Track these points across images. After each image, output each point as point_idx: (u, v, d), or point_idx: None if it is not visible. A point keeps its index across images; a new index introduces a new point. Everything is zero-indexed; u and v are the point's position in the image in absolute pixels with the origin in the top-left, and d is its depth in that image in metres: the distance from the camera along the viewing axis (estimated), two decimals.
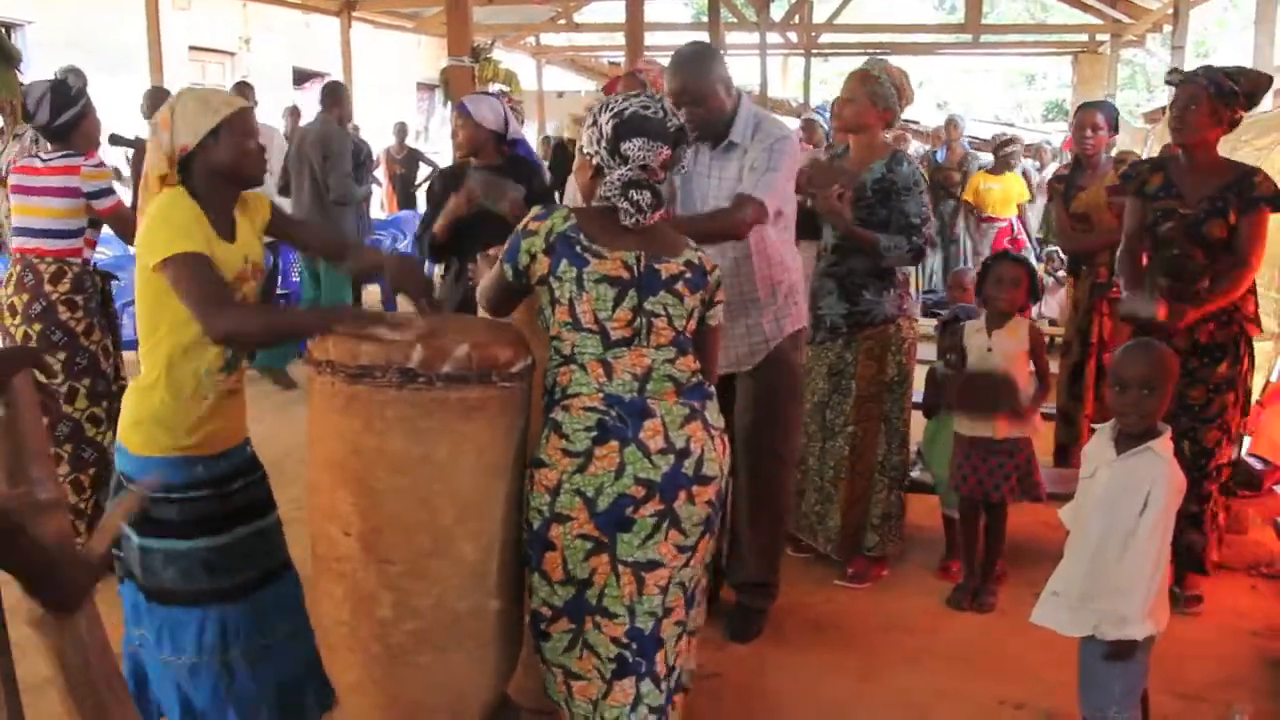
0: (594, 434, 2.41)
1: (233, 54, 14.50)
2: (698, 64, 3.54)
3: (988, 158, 10.39)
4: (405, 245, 10.79)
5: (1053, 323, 9.21)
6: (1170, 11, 11.62)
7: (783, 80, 18.55)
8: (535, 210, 2.58)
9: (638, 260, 2.52)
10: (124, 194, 4.59)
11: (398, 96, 17.17)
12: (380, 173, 12.02)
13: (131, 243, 3.95)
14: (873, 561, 4.34)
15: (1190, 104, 3.86)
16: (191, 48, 13.23)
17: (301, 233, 3.10)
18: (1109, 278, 5.24)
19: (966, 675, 3.60)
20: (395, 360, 2.26)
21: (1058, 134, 21.13)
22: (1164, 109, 17.05)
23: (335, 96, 7.45)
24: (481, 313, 2.83)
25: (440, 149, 13.04)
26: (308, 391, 2.49)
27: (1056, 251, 9.44)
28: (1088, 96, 16.48)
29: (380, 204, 12.28)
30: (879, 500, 4.28)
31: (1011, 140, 10.15)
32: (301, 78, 16.04)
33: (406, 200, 12.37)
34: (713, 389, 2.64)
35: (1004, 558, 4.25)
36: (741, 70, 17.07)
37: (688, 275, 2.58)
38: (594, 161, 2.61)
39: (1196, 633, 3.85)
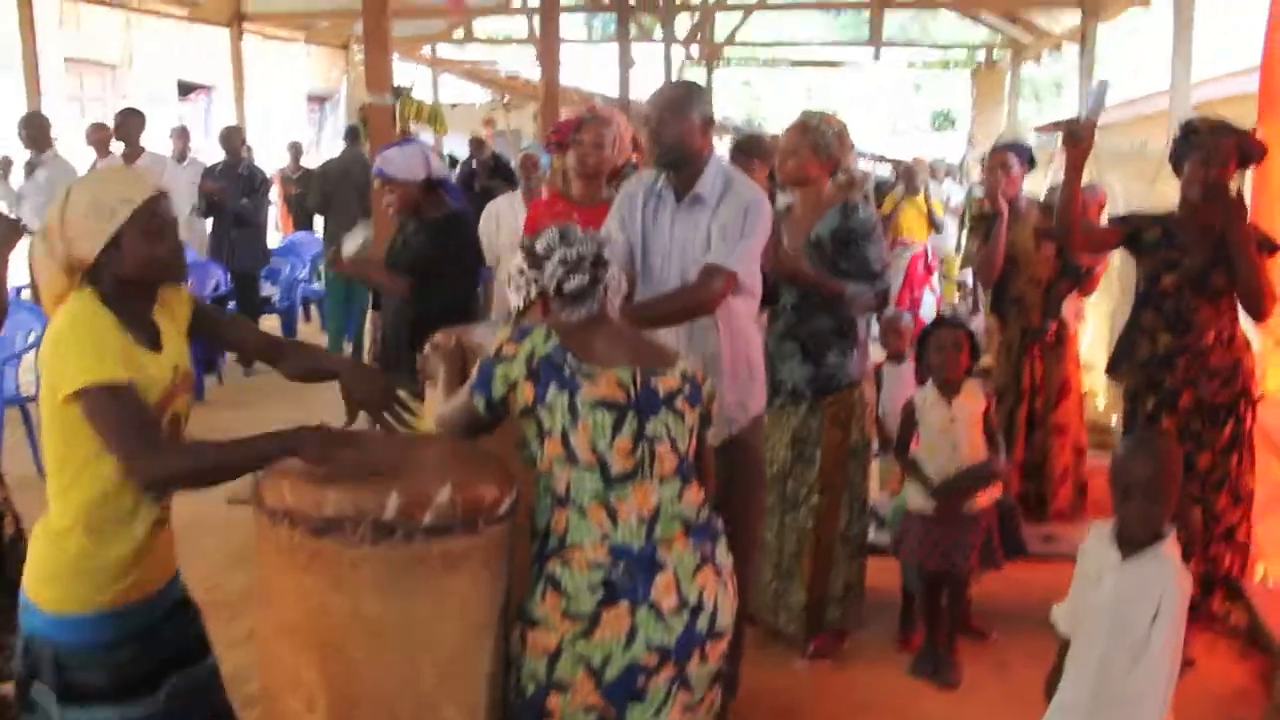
0: (600, 594, 2.15)
1: (114, 66, 13.78)
2: (677, 92, 3.37)
3: (884, 169, 10.45)
4: (304, 271, 10.34)
5: None
6: (1068, 29, 11.78)
7: None
8: (506, 331, 2.29)
9: (633, 378, 2.26)
10: None
11: (288, 108, 16.58)
12: (274, 193, 11.52)
13: None
14: (835, 636, 4.15)
15: (1223, 160, 3.80)
16: (68, 60, 12.50)
17: (232, 331, 2.62)
18: (1041, 322, 5.17)
19: None
20: (368, 511, 1.96)
21: (949, 147, 21.53)
22: (1057, 122, 17.51)
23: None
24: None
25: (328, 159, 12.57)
26: (257, 542, 2.15)
27: (966, 282, 9.52)
28: (985, 110, 16.78)
29: (275, 225, 11.76)
30: (841, 572, 4.09)
31: (916, 163, 10.18)
32: (186, 90, 15.37)
33: (302, 221, 11.88)
34: (720, 522, 2.40)
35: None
36: (645, 81, 16.89)
37: (686, 390, 2.34)
38: (533, 295, 2.38)
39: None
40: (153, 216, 2.18)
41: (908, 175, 9.39)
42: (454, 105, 19.37)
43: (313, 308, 11.22)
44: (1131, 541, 2.65)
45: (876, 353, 5.24)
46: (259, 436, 2.18)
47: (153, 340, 2.24)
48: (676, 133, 3.26)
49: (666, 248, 3.36)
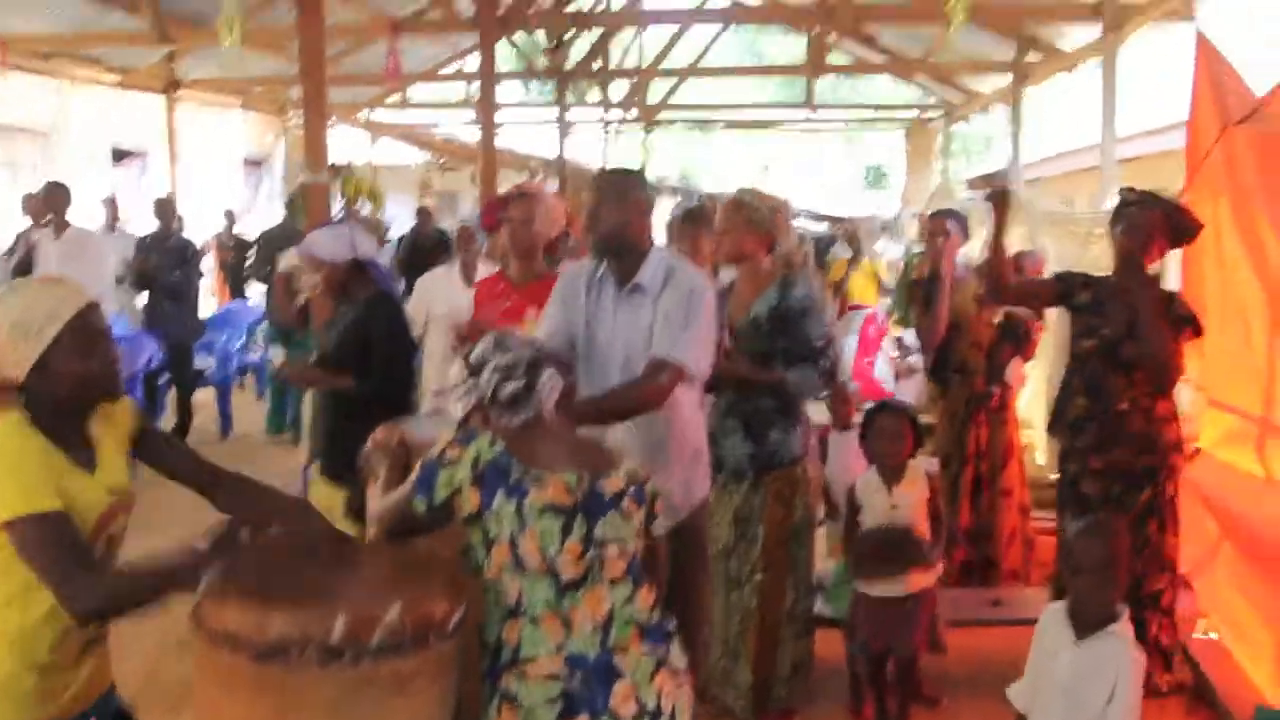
0: (559, 707, 2.11)
1: (46, 133, 13.58)
2: (617, 181, 3.37)
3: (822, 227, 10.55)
4: (240, 341, 10.18)
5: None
6: (999, 90, 12.08)
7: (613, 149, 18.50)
8: (450, 434, 2.26)
9: (579, 481, 2.23)
10: None
11: (223, 173, 16.43)
12: (209, 261, 11.38)
13: None
14: (783, 714, 4.09)
15: (1145, 233, 3.88)
16: (0, 126, 12.30)
17: (175, 458, 2.46)
18: (985, 387, 5.22)
19: None
20: (314, 634, 1.89)
21: (885, 202, 21.88)
22: (984, 176, 17.87)
23: None
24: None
25: (269, 226, 12.47)
26: (197, 663, 2.06)
27: (902, 339, 9.59)
28: (918, 168, 17.10)
29: (210, 293, 11.60)
30: (788, 650, 4.04)
31: (861, 227, 10.30)
32: (120, 156, 15.18)
33: (238, 289, 11.75)
34: (672, 622, 2.36)
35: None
36: (582, 143, 17.01)
37: (631, 490, 2.31)
38: (472, 403, 2.37)
39: None
40: (82, 331, 2.10)
41: (853, 240, 9.48)
42: (391, 167, 19.35)
43: (249, 377, 11.05)
44: (1085, 622, 2.68)
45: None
46: (188, 549, 2.09)
47: (89, 458, 2.16)
48: (613, 222, 3.24)
49: (609, 335, 3.33)
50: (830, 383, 4.05)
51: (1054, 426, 4.23)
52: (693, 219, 5.42)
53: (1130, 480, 3.92)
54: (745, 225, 3.93)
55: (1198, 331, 3.98)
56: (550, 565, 2.18)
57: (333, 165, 6.69)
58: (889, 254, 12.12)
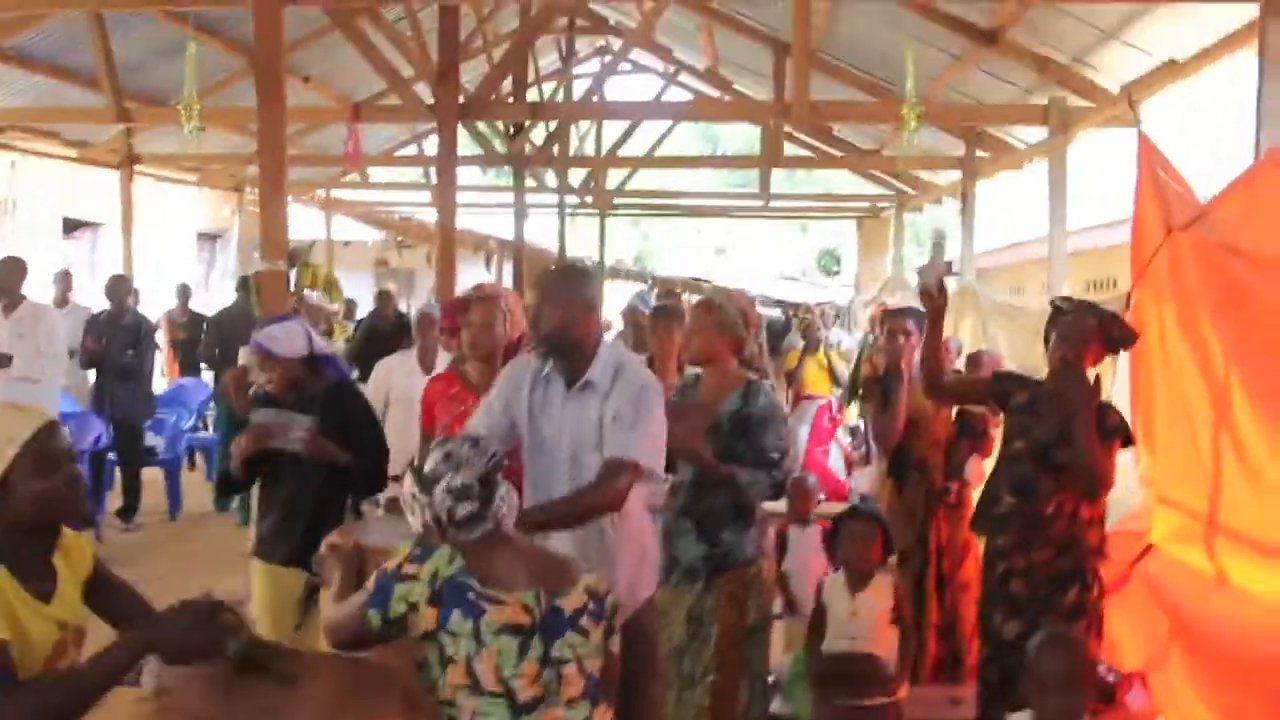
0: None
1: None
2: (562, 279, 3.35)
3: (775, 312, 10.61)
4: (190, 421, 10.05)
5: (864, 498, 9.36)
6: (950, 183, 12.34)
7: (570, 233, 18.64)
8: (407, 549, 2.23)
9: (538, 599, 2.20)
10: None
11: (177, 246, 16.33)
12: (161, 337, 11.25)
13: None
14: None
15: (1080, 341, 3.93)
16: None
17: (127, 603, 2.40)
18: (944, 483, 5.24)
19: None
20: None
21: (838, 289, 22.14)
22: (935, 261, 18.19)
23: None
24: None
25: (223, 302, 12.40)
26: None
27: (859, 427, 9.65)
28: (870, 257, 17.35)
29: (161, 371, 11.44)
30: None
31: (810, 316, 10.39)
32: (71, 227, 15.05)
33: (189, 366, 11.59)
34: None
35: None
36: (540, 226, 17.11)
37: (590, 606, 2.30)
38: (428, 519, 2.34)
39: None
40: (42, 451, 2.07)
41: (807, 330, 9.56)
42: (347, 243, 19.35)
43: (198, 456, 10.89)
44: None
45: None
46: (115, 645, 2.05)
47: (46, 588, 2.11)
48: (556, 321, 3.22)
49: (556, 432, 3.31)
50: (780, 494, 4.05)
51: (978, 522, 4.27)
52: (665, 314, 5.48)
53: (1055, 582, 3.94)
54: (715, 328, 3.95)
55: (1127, 441, 4.05)
56: (506, 686, 2.15)
57: (291, 251, 6.65)
58: (844, 343, 12.24)
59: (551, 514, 3.07)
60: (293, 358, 4.02)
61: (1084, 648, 2.79)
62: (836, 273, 30.83)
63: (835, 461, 9.42)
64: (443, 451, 2.35)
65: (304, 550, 3.62)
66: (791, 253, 32.26)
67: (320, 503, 3.99)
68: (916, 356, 5.31)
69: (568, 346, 3.25)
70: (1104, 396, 4.26)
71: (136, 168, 12.80)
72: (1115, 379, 5.07)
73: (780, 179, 16.47)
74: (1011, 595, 3.98)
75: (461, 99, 8.49)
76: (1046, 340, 4.11)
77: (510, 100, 10.34)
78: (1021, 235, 12.81)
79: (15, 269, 7.54)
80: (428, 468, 2.35)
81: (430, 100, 8.58)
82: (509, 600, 2.19)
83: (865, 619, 3.91)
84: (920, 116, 7.04)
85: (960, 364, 6.86)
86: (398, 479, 4.42)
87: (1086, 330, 3.97)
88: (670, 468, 4.02)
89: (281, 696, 2.06)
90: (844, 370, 9.93)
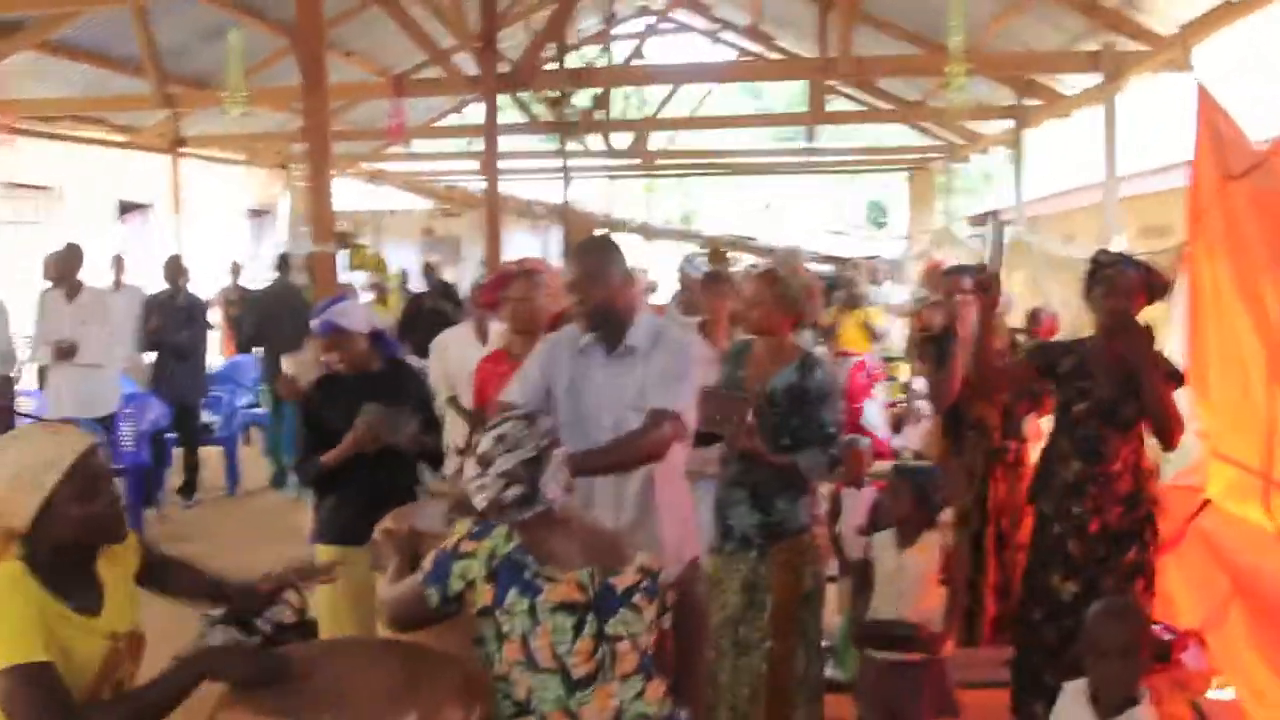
0: None
1: (49, 188, 13.69)
2: (597, 255, 3.40)
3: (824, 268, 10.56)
4: (245, 398, 10.21)
5: (917, 455, 9.31)
6: (1000, 132, 12.14)
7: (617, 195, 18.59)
8: (465, 526, 2.26)
9: (592, 578, 2.23)
10: None
11: (227, 224, 16.53)
12: (216, 314, 11.43)
13: None
14: None
15: (1127, 293, 3.89)
16: (6, 184, 12.41)
17: (181, 578, 2.51)
18: (1002, 442, 5.19)
19: None
20: None
21: (887, 241, 21.92)
22: (986, 214, 17.88)
23: None
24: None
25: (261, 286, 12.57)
26: None
27: (911, 383, 9.58)
28: (920, 209, 17.14)
29: (217, 348, 11.64)
30: (797, 715, 4.01)
31: (851, 275, 10.30)
32: (125, 209, 15.28)
33: (244, 342, 11.77)
34: (683, 713, 2.36)
35: None
36: (586, 189, 17.11)
37: (645, 584, 2.33)
38: (483, 502, 2.38)
39: None
40: (83, 476, 2.11)
41: (848, 287, 9.46)
42: (393, 212, 19.47)
43: (254, 431, 11.08)
44: (1108, 704, 2.66)
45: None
46: (174, 669, 2.12)
47: (94, 600, 2.17)
48: (601, 297, 3.31)
49: (596, 400, 3.38)
50: (836, 469, 4.04)
51: (1035, 495, 4.21)
52: (715, 281, 5.47)
53: (1119, 541, 3.92)
54: (776, 301, 3.90)
55: (1180, 383, 4.04)
56: (561, 662, 2.19)
57: (340, 233, 6.71)
58: (894, 297, 12.15)
59: (598, 459, 3.10)
60: (363, 333, 4.07)
61: (1142, 616, 2.77)
62: (884, 224, 30.49)
63: (871, 418, 9.37)
64: (497, 433, 2.38)
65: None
66: (839, 207, 31.91)
67: (389, 485, 4.01)
68: (974, 316, 5.27)
69: (613, 317, 3.33)
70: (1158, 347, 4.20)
71: (184, 150, 12.91)
72: (1171, 330, 5.01)
73: (827, 130, 16.25)
74: (1069, 556, 3.96)
75: (504, 67, 8.46)
76: (1087, 294, 4.06)
77: (552, 67, 10.29)
78: (1073, 182, 12.55)
79: (73, 256, 7.65)
80: (482, 448, 2.37)
81: (471, 70, 8.56)
82: (564, 579, 2.23)
83: (911, 576, 3.90)
84: (968, 70, 6.91)
85: (1015, 321, 6.76)
86: (463, 452, 4.51)
87: (1133, 282, 3.93)
88: (717, 439, 4.04)
89: (345, 685, 2.10)
90: (884, 328, 9.85)
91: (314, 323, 4.08)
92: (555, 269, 4.43)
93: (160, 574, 2.42)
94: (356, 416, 3.89)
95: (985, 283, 4.07)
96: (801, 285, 3.94)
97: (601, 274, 3.32)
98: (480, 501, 2.37)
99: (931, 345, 5.41)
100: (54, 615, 2.06)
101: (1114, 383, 3.90)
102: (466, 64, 9.36)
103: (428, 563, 2.30)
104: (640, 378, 3.30)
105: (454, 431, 5.50)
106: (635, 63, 11.30)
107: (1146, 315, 4.10)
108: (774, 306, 3.91)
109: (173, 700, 2.09)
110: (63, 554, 2.12)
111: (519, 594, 2.20)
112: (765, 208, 32.04)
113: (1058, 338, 6.41)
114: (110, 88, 10.37)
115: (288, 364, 5.18)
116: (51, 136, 11.66)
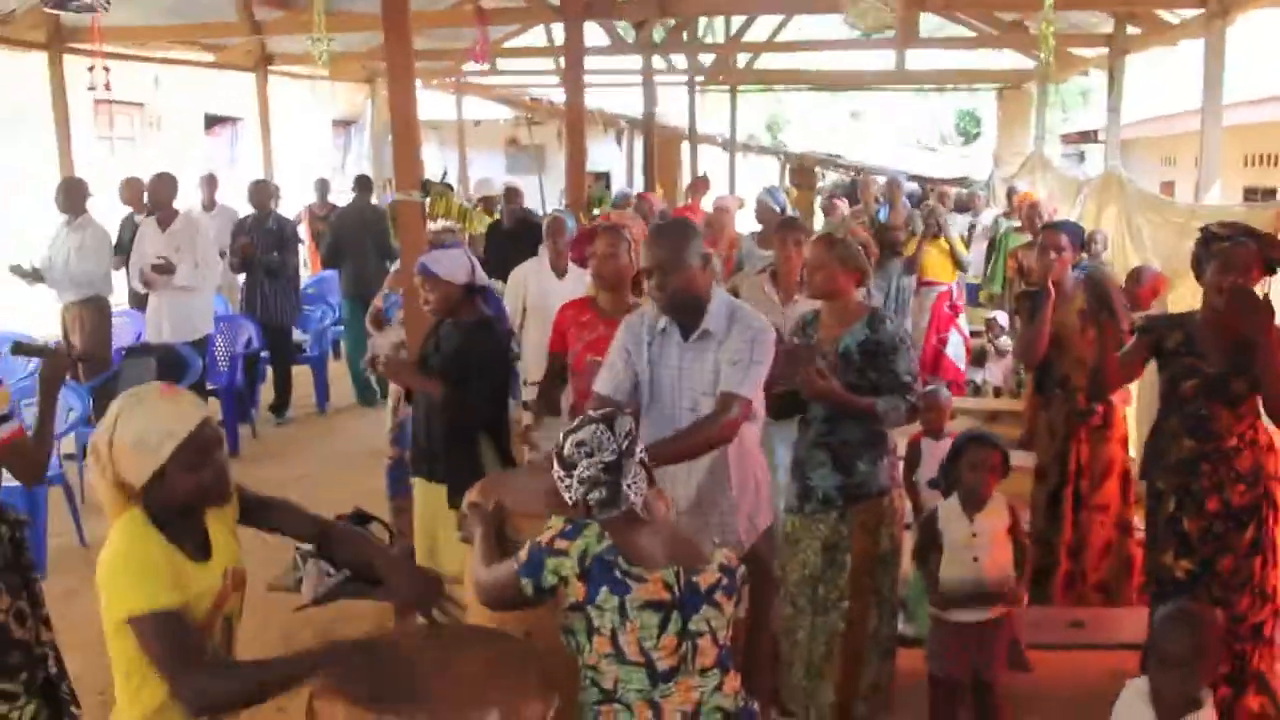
0: None
1: (141, 105, 13.94)
2: (675, 239, 3.50)
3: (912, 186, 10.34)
4: (332, 316, 10.41)
5: (997, 391, 9.23)
6: (1097, 56, 11.74)
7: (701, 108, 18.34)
8: (558, 524, 2.36)
9: (677, 577, 2.34)
10: None
11: (313, 137, 16.69)
12: (303, 230, 11.62)
13: (30, 484, 3.65)
14: None
15: (1243, 267, 3.76)
16: (98, 101, 12.67)
17: (280, 517, 2.66)
18: (1087, 404, 5.13)
19: None
20: None
21: (977, 158, 21.37)
22: (1083, 133, 17.32)
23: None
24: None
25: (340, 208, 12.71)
26: None
27: (996, 319, 9.45)
28: (1011, 128, 16.67)
29: (304, 264, 11.86)
30: (870, 672, 4.11)
31: (937, 203, 10.10)
32: (212, 122, 15.52)
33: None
34: (755, 707, 2.46)
35: None
36: (670, 101, 16.93)
37: (724, 582, 2.44)
38: (570, 501, 2.48)
39: None
40: (195, 448, 2.26)
41: (929, 216, 9.30)
42: (478, 123, 19.50)
43: (342, 345, 11.32)
44: (1169, 707, 2.67)
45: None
46: (295, 656, 2.27)
47: (203, 547, 2.33)
48: (678, 284, 3.43)
49: (675, 383, 3.54)
50: (915, 417, 4.07)
51: (1149, 472, 4.12)
52: (790, 228, 5.45)
53: (1237, 519, 3.85)
54: (838, 263, 3.96)
55: None
56: (647, 656, 2.29)
57: (425, 181, 6.76)
58: (982, 220, 11.92)
59: (669, 449, 3.21)
60: (452, 282, 4.20)
61: (1210, 626, 2.75)
62: (977, 135, 29.73)
63: (955, 349, 9.29)
64: (576, 438, 2.45)
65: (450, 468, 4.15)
66: (929, 117, 31.14)
67: (468, 425, 4.26)
68: (1069, 273, 5.17)
69: (689, 303, 3.46)
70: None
71: (270, 68, 13.02)
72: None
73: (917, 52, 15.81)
74: (1185, 534, 3.90)
75: None
76: (1198, 267, 3.94)
77: None
78: (1172, 107, 12.11)
79: (166, 184, 7.82)
80: (565, 451, 2.46)
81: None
82: (651, 578, 2.33)
83: (984, 539, 3.93)
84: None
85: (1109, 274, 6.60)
86: (538, 385, 4.67)
87: (1250, 255, 3.79)
88: (803, 405, 4.08)
89: (432, 677, 2.21)
90: (967, 256, 9.67)
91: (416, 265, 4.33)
92: (640, 225, 4.48)
93: (259, 515, 2.59)
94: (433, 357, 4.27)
95: (1098, 295, 4.03)
96: (859, 244, 4.00)
97: (679, 259, 3.42)
98: (568, 499, 2.45)
99: (1027, 301, 5.32)
100: (175, 560, 2.24)
101: (1224, 357, 3.81)
102: None
103: (523, 553, 2.40)
104: (716, 362, 3.46)
105: (530, 367, 5.64)
106: None
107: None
108: (836, 268, 3.96)
109: (288, 686, 2.22)
110: (173, 513, 2.29)
111: (609, 592, 2.30)
112: (853, 116, 31.41)
113: (1158, 302, 6.30)
114: (196, 14, 10.45)
115: (379, 341, 5.46)
116: (140, 59, 11.82)
